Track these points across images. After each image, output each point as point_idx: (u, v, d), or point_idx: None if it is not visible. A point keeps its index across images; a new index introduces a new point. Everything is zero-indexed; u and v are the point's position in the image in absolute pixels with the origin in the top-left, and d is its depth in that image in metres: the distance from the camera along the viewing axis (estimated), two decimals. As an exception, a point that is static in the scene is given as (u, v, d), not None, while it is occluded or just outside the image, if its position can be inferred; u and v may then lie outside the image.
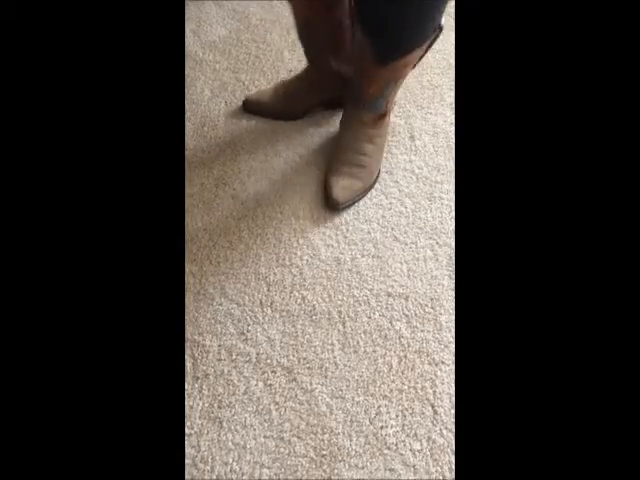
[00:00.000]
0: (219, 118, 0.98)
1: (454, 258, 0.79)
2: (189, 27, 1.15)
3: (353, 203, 0.86)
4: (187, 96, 1.02)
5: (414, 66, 0.78)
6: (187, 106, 1.00)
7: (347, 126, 0.87)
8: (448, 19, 1.15)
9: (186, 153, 0.93)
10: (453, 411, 0.66)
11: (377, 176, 0.88)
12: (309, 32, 0.83)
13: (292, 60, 1.08)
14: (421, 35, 0.70)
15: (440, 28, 0.71)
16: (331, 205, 0.84)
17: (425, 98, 1.01)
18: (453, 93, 1.01)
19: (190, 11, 1.18)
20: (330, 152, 0.91)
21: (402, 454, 0.64)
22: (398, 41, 0.71)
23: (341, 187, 0.84)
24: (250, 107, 0.97)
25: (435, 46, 1.11)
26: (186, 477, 0.62)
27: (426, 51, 0.75)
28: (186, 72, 1.06)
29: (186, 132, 0.96)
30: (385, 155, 0.92)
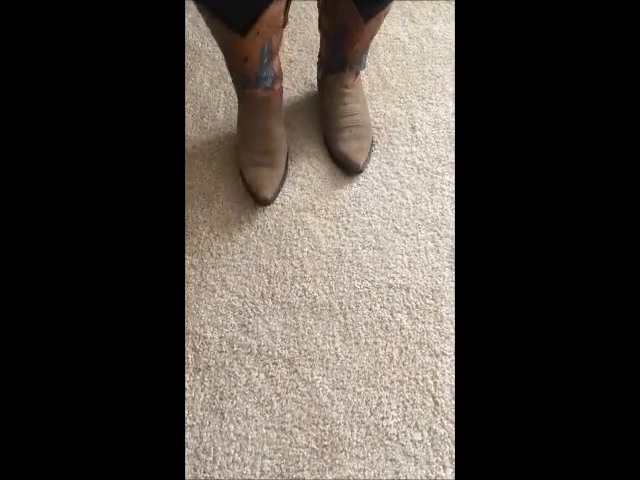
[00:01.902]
0: (219, 109, 0.97)
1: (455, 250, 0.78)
2: (188, 17, 1.13)
3: (368, 162, 0.88)
4: (187, 87, 1.01)
5: None
6: (186, 97, 0.99)
7: (330, 94, 0.89)
8: (448, 7, 1.14)
9: (186, 145, 0.92)
10: (454, 402, 0.67)
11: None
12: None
13: (292, 50, 1.07)
14: None
15: None
16: (354, 171, 0.86)
17: (426, 88, 1.00)
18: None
19: (189, 1, 1.17)
20: (322, 125, 0.91)
21: (403, 444, 0.64)
22: None
23: (355, 151, 0.86)
24: None
25: (437, 35, 1.10)
26: (188, 468, 0.63)
27: None
28: (185, 62, 1.05)
29: (185, 123, 0.95)
30: (386, 146, 0.92)
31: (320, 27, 0.84)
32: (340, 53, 0.83)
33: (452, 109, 0.97)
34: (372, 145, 0.90)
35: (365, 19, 0.75)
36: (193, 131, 0.94)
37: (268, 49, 0.73)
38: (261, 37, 0.69)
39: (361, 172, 0.87)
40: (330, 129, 0.89)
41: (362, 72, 0.92)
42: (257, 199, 0.82)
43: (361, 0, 0.72)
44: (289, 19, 0.76)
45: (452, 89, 1.00)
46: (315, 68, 1.02)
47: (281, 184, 0.85)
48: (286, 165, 0.87)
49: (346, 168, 0.87)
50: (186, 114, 0.97)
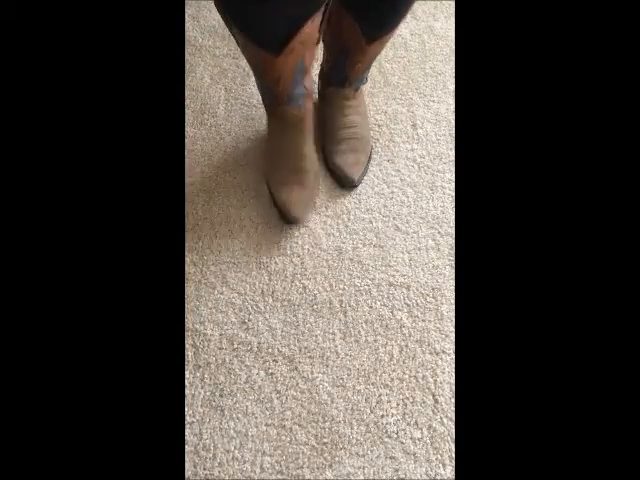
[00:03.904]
0: (219, 105, 0.97)
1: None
2: (188, 12, 1.13)
3: (364, 175, 0.87)
4: (186, 83, 1.01)
5: None
6: (187, 93, 0.99)
7: (330, 105, 0.88)
8: (450, 4, 1.14)
9: (186, 141, 0.92)
10: (453, 400, 0.67)
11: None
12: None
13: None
14: (409, 6, 0.70)
15: None
16: (348, 185, 0.85)
17: (428, 86, 1.00)
18: (456, 80, 1.00)
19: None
20: (321, 136, 0.90)
21: (402, 442, 0.64)
22: (388, 19, 0.71)
23: (350, 165, 0.85)
24: None
25: (438, 32, 1.09)
26: (188, 464, 0.63)
27: None
28: (185, 58, 1.04)
29: (185, 119, 0.95)
30: (387, 143, 0.91)
31: (323, 40, 0.83)
32: (341, 70, 0.82)
33: (453, 106, 0.97)
34: (370, 159, 0.88)
35: (368, 42, 0.74)
36: (193, 127, 0.94)
37: (301, 66, 0.70)
38: (295, 56, 0.66)
39: (356, 186, 0.85)
40: (328, 140, 0.88)
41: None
42: (287, 218, 0.79)
43: (366, 23, 0.71)
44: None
45: (453, 86, 1.00)
46: (316, 65, 1.02)
47: (310, 205, 0.81)
48: (317, 186, 0.84)
49: (341, 181, 0.85)
50: (186, 110, 0.96)
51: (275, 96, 0.75)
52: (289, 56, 0.65)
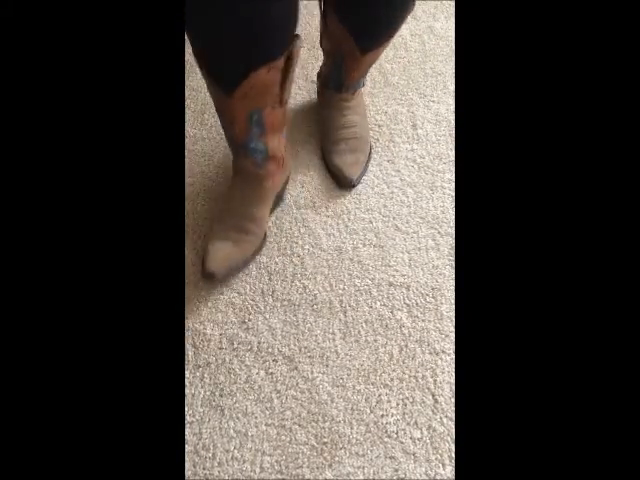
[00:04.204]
0: (219, 105, 0.97)
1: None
2: (189, 12, 1.13)
3: (363, 175, 0.86)
4: (187, 83, 1.01)
5: None
6: (187, 93, 0.99)
7: (329, 105, 0.88)
8: (450, 4, 1.14)
9: (186, 141, 0.92)
10: (453, 400, 0.67)
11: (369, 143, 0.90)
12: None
13: (293, 46, 1.07)
14: (403, 20, 0.72)
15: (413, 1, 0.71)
16: (347, 185, 0.85)
17: (428, 86, 1.00)
18: (456, 81, 1.00)
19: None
20: (320, 136, 0.91)
21: (402, 442, 0.64)
22: (381, 32, 0.72)
23: (349, 165, 0.85)
24: None
25: (438, 32, 1.09)
26: (188, 464, 0.63)
27: None
28: (186, 58, 1.04)
29: (186, 119, 0.95)
30: (387, 143, 0.92)
31: (321, 45, 0.84)
32: (337, 76, 0.83)
33: (453, 107, 0.97)
34: (369, 158, 0.88)
35: (362, 53, 0.75)
36: (194, 127, 0.94)
37: (258, 120, 0.67)
38: (249, 102, 0.63)
39: (354, 186, 0.85)
40: (327, 141, 0.88)
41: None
42: (203, 270, 0.72)
43: (359, 35, 0.72)
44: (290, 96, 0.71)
45: (453, 87, 1.00)
46: (315, 64, 1.02)
47: (234, 266, 0.74)
48: (256, 252, 0.77)
49: (339, 181, 0.85)
50: (187, 110, 0.96)
51: (231, 140, 0.72)
52: (242, 101, 0.63)
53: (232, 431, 0.65)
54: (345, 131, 0.86)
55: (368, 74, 1.00)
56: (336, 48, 0.77)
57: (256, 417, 0.66)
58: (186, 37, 0.61)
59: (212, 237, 0.75)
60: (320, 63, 0.93)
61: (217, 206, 0.82)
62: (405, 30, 1.09)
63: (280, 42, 0.58)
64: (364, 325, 0.73)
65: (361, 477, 0.62)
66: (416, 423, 0.65)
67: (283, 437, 0.65)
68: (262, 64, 0.58)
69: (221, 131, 0.93)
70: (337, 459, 0.63)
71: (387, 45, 0.76)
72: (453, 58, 1.05)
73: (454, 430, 0.64)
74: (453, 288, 0.76)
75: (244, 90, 0.61)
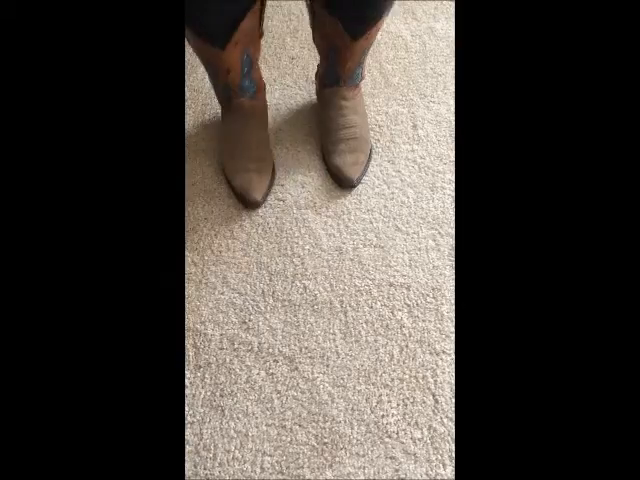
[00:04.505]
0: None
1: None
2: (189, 13, 1.13)
3: (363, 176, 0.87)
4: (188, 83, 1.01)
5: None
6: (188, 94, 0.99)
7: (328, 106, 0.89)
8: (450, 4, 1.14)
9: (187, 142, 0.92)
10: (454, 400, 0.67)
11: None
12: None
13: (294, 47, 1.07)
14: (388, 3, 0.72)
15: None
16: (347, 185, 0.85)
17: (428, 86, 1.00)
18: (456, 81, 1.00)
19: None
20: (319, 136, 0.91)
21: (403, 442, 0.64)
22: (368, 14, 0.73)
23: (349, 165, 0.85)
24: None
25: (439, 33, 1.09)
26: (189, 464, 0.63)
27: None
28: (186, 58, 1.04)
29: (187, 120, 0.95)
30: (387, 144, 0.92)
31: (314, 41, 0.85)
32: (333, 69, 0.84)
33: (454, 107, 0.97)
34: (369, 158, 0.88)
35: (353, 39, 0.76)
36: (195, 128, 0.94)
37: (248, 58, 0.77)
38: (240, 47, 0.73)
39: (355, 187, 0.85)
40: (327, 141, 0.88)
41: (361, 83, 0.92)
42: (247, 201, 0.82)
43: (347, 21, 0.73)
44: (264, 31, 0.82)
45: (454, 87, 1.00)
46: (315, 64, 1.02)
47: (269, 188, 0.85)
48: (273, 171, 0.87)
49: (340, 182, 0.85)
50: (188, 111, 0.96)
51: (228, 88, 0.81)
52: (234, 49, 0.73)
53: (233, 431, 0.65)
54: (345, 131, 0.87)
55: (368, 74, 1.00)
56: (328, 41, 0.79)
57: (257, 417, 0.66)
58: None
59: (235, 172, 0.84)
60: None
61: (219, 152, 0.89)
62: (406, 31, 1.09)
63: None
64: (364, 325, 0.73)
65: (362, 477, 0.62)
66: (417, 423, 0.65)
67: (284, 437, 0.65)
68: (246, 12, 0.69)
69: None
70: (338, 459, 0.63)
71: (376, 31, 0.77)
72: (453, 59, 1.05)
73: (454, 430, 0.64)
74: (453, 288, 0.76)
75: (236, 39, 0.71)
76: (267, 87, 0.96)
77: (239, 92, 0.82)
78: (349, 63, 0.82)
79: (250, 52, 0.77)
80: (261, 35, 0.78)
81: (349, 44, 0.77)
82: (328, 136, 0.88)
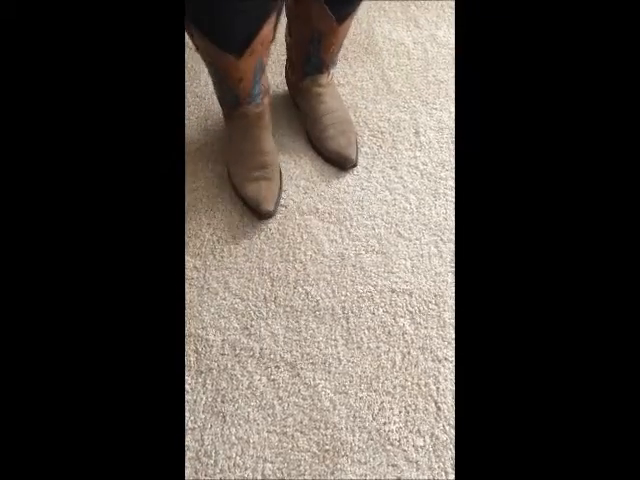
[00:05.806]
0: (223, 112, 0.97)
1: (458, 255, 0.78)
2: (193, 19, 1.14)
3: (359, 154, 0.90)
4: (191, 89, 1.01)
5: None
6: (191, 99, 0.99)
7: (307, 97, 0.91)
8: (453, 12, 1.15)
9: (190, 147, 0.92)
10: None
11: None
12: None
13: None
14: None
15: None
16: (350, 165, 0.88)
17: (430, 93, 1.00)
18: (458, 88, 1.01)
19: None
20: (306, 130, 0.92)
21: (405, 450, 0.64)
22: None
23: (345, 146, 0.87)
24: None
25: (441, 40, 1.10)
26: (189, 471, 0.63)
27: None
28: (190, 64, 1.05)
29: (190, 126, 0.95)
30: (389, 150, 0.92)
31: (290, 34, 0.86)
32: (316, 57, 0.86)
33: (456, 114, 0.97)
34: (357, 138, 0.91)
35: (339, 21, 0.78)
36: (197, 133, 0.94)
37: (260, 66, 0.75)
38: (255, 56, 0.71)
39: (355, 166, 0.88)
40: (314, 130, 0.90)
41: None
42: (260, 213, 0.81)
43: (333, 3, 0.75)
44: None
45: (456, 94, 1.01)
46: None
47: (279, 196, 0.84)
48: (280, 175, 0.87)
49: (340, 165, 0.87)
50: (190, 116, 0.97)
51: (237, 97, 0.79)
52: (250, 57, 0.71)
53: (234, 438, 0.65)
54: (329, 116, 0.89)
55: (370, 80, 1.01)
56: (310, 28, 0.80)
57: (258, 424, 0.66)
58: (186, 37, 0.65)
59: (242, 181, 0.83)
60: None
61: (225, 160, 0.88)
62: (408, 38, 1.10)
63: None
64: (366, 332, 0.73)
65: (363, 485, 0.62)
66: (419, 431, 0.65)
67: (285, 444, 0.64)
68: (268, 18, 0.66)
69: (224, 136, 0.93)
70: (339, 467, 0.63)
71: (357, 11, 0.80)
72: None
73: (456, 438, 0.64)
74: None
75: (253, 48, 0.69)
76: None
77: (247, 100, 0.81)
78: (333, 48, 0.84)
79: (262, 61, 0.76)
80: (273, 39, 0.76)
81: (335, 28, 0.79)
82: (315, 125, 0.90)
